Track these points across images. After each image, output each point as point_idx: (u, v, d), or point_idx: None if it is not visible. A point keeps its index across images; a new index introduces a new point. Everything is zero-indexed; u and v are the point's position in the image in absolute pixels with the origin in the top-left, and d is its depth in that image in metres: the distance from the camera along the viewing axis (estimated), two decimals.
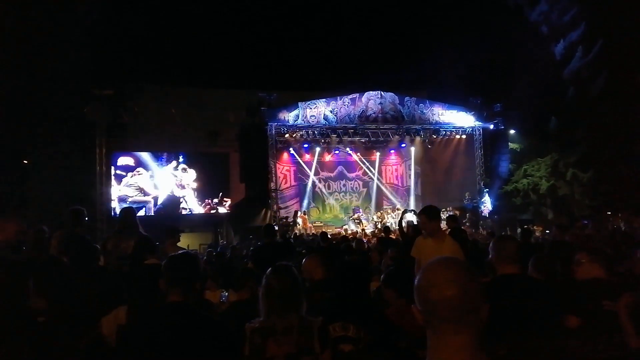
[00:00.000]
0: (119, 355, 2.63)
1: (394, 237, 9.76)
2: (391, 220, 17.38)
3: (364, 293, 3.10)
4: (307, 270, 3.64)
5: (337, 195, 21.18)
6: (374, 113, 17.53)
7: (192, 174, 17.66)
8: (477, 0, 18.26)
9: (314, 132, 17.61)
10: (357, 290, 3.00)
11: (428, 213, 4.89)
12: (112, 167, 16.44)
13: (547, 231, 13.32)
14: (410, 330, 2.64)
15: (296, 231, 16.09)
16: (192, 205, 17.62)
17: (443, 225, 7.88)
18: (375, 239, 12.99)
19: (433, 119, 18.26)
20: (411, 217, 18.29)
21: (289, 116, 16.81)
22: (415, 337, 2.57)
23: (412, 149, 20.66)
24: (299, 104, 16.95)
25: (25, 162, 13.98)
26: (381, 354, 2.64)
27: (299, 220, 17.53)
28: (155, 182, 17.15)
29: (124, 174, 16.83)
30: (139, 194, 16.83)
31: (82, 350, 2.95)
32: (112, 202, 16.24)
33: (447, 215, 14.62)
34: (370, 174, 21.13)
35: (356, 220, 18.35)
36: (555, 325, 2.72)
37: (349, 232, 16.60)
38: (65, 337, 3.01)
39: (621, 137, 15.45)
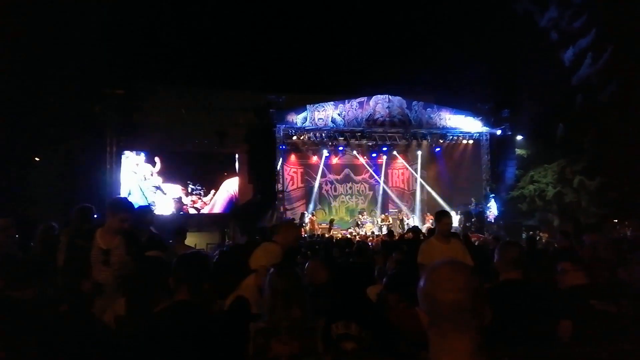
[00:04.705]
0: (123, 351, 2.69)
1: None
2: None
3: (363, 294, 3.15)
4: (309, 274, 3.68)
5: (343, 198, 21.21)
6: (382, 117, 17.52)
7: (157, 165, 17.29)
8: (487, 6, 18.21)
9: (321, 135, 17.64)
10: (357, 292, 3.04)
11: (450, 215, 5.69)
12: (121, 166, 16.51)
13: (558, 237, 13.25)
14: (410, 332, 2.67)
15: (305, 234, 16.17)
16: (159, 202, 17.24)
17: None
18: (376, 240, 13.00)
19: (440, 124, 18.21)
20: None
21: (297, 118, 16.85)
22: (416, 340, 2.60)
23: (419, 153, 20.64)
24: (307, 106, 16.98)
25: (37, 159, 14.11)
26: (383, 356, 2.67)
27: (307, 220, 17.65)
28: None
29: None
30: None
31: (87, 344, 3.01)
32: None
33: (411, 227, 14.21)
34: (376, 177, 21.13)
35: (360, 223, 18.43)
36: (555, 331, 2.74)
37: (354, 234, 16.63)
38: (73, 331, 3.07)
39: (629, 145, 15.35)
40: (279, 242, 4.01)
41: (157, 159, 17.24)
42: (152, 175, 17.21)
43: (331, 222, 18.35)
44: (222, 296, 3.60)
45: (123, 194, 16.36)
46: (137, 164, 17.06)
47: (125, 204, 3.93)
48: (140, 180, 17.06)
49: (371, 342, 2.66)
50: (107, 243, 3.70)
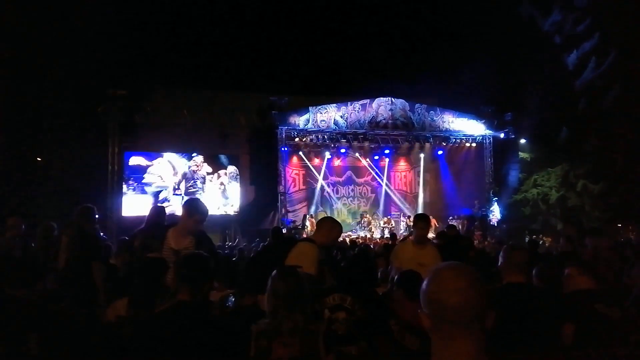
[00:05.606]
0: (124, 350, 2.69)
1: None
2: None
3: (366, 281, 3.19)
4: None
5: (345, 200, 21.16)
6: (384, 119, 17.52)
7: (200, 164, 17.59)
8: (490, 9, 18.20)
9: (323, 137, 17.63)
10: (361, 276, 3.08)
11: (427, 219, 5.35)
12: (124, 167, 16.51)
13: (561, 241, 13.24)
14: (410, 322, 2.69)
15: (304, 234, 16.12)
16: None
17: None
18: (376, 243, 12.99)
19: (443, 127, 18.20)
20: None
21: (300, 120, 16.86)
22: (407, 323, 2.62)
23: (422, 155, 20.62)
24: (310, 108, 16.99)
25: (39, 159, 14.15)
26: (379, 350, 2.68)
27: (307, 223, 17.60)
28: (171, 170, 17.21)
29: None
30: (160, 180, 16.86)
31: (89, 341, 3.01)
32: (123, 201, 16.33)
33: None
34: (379, 179, 21.09)
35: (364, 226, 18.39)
36: (558, 334, 2.73)
37: (355, 237, 16.59)
38: (74, 326, 3.07)
39: (633, 149, 15.31)
40: (318, 241, 3.74)
41: (199, 157, 17.46)
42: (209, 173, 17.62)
43: (304, 217, 18.18)
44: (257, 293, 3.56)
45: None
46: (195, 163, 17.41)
47: (202, 206, 4.03)
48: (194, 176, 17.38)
49: (363, 315, 2.68)
50: (178, 243, 3.76)
